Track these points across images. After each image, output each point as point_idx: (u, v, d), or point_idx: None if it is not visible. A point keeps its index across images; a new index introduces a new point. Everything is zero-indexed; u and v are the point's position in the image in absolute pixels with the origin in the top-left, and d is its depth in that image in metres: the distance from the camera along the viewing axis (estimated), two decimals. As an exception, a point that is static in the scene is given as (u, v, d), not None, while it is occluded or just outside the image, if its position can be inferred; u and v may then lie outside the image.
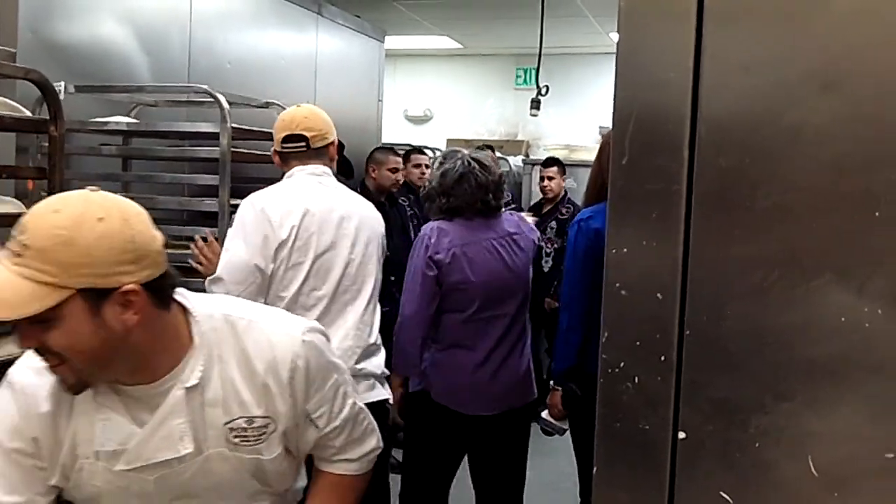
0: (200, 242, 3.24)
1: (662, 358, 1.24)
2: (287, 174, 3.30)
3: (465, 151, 3.59)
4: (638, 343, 1.25)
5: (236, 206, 3.18)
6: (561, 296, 3.52)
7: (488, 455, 3.58)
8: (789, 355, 1.19)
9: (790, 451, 1.20)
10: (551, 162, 7.04)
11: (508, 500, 3.70)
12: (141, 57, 4.10)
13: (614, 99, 1.29)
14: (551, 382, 3.61)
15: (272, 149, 3.37)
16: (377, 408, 3.13)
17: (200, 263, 3.23)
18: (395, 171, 5.75)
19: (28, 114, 2.78)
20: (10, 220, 2.72)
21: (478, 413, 3.45)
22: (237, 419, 1.79)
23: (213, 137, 3.52)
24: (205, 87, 3.43)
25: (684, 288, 1.23)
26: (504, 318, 3.47)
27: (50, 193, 2.75)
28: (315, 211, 3.13)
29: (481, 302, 3.40)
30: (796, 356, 1.19)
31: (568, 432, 3.74)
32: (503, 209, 3.61)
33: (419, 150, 6.83)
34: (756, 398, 1.21)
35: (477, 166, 3.46)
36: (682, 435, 1.23)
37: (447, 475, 3.63)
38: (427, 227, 3.48)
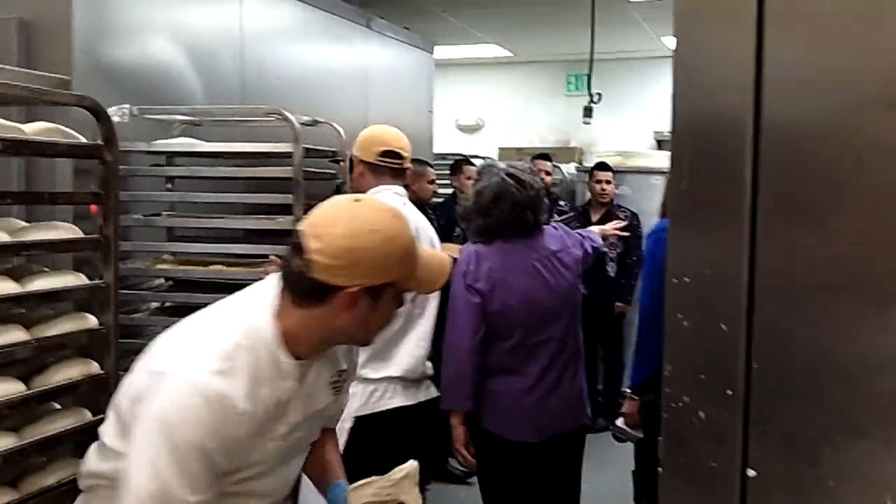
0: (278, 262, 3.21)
1: (729, 392, 1.19)
2: (373, 189, 3.27)
3: (502, 165, 3.42)
4: (702, 376, 1.20)
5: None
6: (640, 307, 3.51)
7: (539, 481, 3.38)
8: (863, 389, 1.13)
9: (865, 491, 1.14)
10: (605, 166, 7.02)
11: None
12: (193, 76, 4.13)
13: (672, 118, 1.25)
14: (628, 391, 3.60)
15: (358, 159, 3.35)
16: (434, 403, 3.35)
17: None
18: (432, 182, 5.81)
19: (82, 139, 2.80)
20: (64, 246, 2.76)
21: (524, 440, 3.27)
22: (336, 371, 1.99)
23: (281, 157, 3.54)
24: (278, 108, 3.45)
25: (750, 318, 1.18)
26: (551, 343, 3.27)
27: (105, 217, 2.78)
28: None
29: (525, 328, 3.22)
30: (870, 390, 1.13)
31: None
32: (543, 225, 3.41)
33: (468, 160, 6.83)
34: (828, 434, 1.15)
35: (514, 183, 3.25)
36: (751, 472, 1.18)
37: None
38: (465, 253, 3.31)
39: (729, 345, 1.19)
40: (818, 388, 1.16)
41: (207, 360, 1.69)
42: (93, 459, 1.91)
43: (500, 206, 3.25)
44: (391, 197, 3.25)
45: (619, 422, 3.73)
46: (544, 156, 7.13)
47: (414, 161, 5.91)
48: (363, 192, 3.27)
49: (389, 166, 3.36)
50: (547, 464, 3.35)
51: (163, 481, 1.63)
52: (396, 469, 2.12)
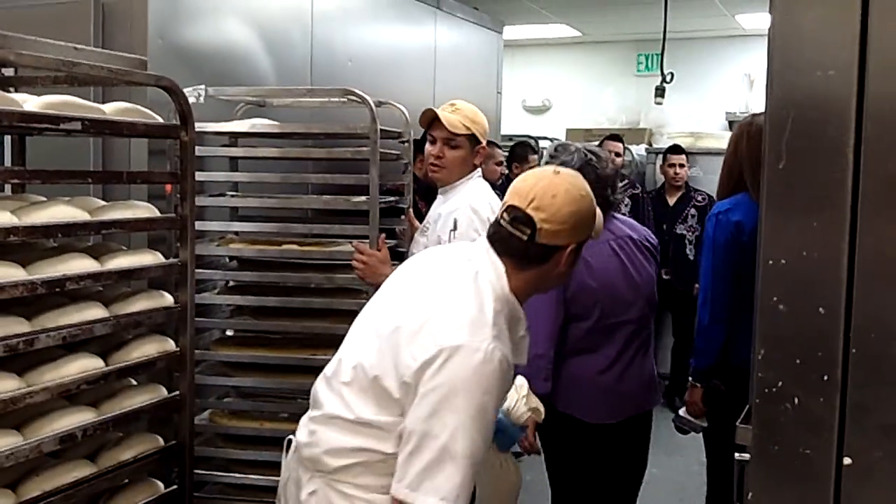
0: (361, 246, 3.19)
1: (825, 377, 1.15)
2: (476, 174, 3.42)
3: (579, 144, 3.31)
4: (798, 361, 1.16)
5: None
6: (700, 291, 3.42)
7: (609, 463, 3.34)
8: (970, 377, 1.09)
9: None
10: (679, 149, 6.95)
11: None
12: (265, 57, 4.14)
13: (767, 97, 1.20)
14: (690, 379, 3.52)
15: (483, 142, 3.42)
16: None
17: (357, 267, 3.20)
18: (500, 164, 5.87)
19: (159, 119, 2.83)
20: (143, 225, 2.80)
21: (600, 421, 3.24)
22: None
23: (353, 137, 3.64)
24: (354, 89, 3.44)
25: (849, 302, 1.13)
26: (629, 325, 3.24)
27: (182, 197, 2.80)
28: None
29: (602, 309, 3.17)
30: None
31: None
32: (619, 206, 3.44)
33: (532, 147, 6.88)
34: (931, 423, 1.11)
35: (594, 158, 3.17)
36: (847, 461, 1.14)
37: (591, 489, 3.39)
38: None
39: (827, 329, 1.16)
40: (921, 375, 1.12)
41: (486, 329, 1.94)
42: (339, 438, 2.04)
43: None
44: (479, 182, 3.39)
45: (682, 411, 3.64)
46: (615, 136, 7.09)
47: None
48: (457, 175, 3.38)
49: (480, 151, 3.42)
50: (618, 445, 3.32)
51: (472, 441, 1.88)
52: (518, 384, 2.66)
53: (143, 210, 2.79)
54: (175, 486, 2.86)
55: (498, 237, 2.09)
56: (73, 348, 2.56)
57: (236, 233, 3.63)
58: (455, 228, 3.21)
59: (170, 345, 2.82)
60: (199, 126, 3.10)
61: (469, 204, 3.23)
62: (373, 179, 3.31)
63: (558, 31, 9.34)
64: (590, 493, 3.38)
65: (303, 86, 4.31)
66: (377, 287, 2.37)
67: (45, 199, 2.58)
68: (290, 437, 2.22)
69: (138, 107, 2.79)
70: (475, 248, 2.15)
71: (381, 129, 3.40)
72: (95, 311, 2.58)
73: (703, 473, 3.85)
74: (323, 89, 3.99)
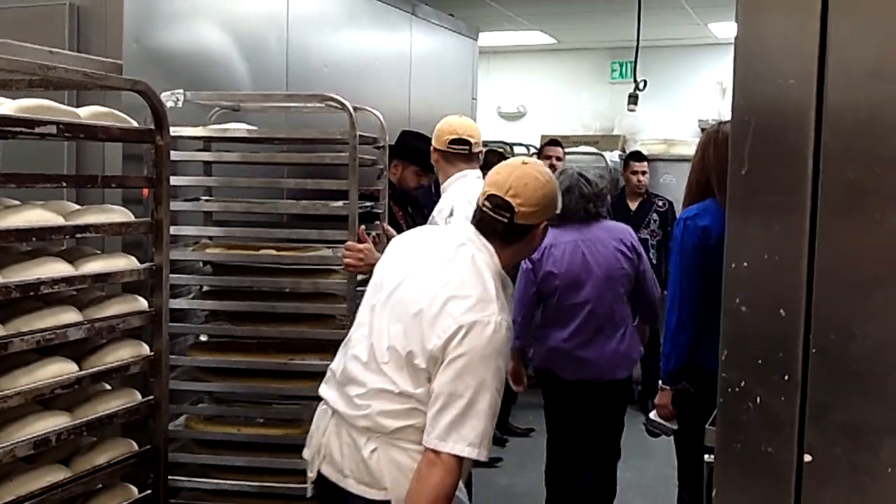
0: (350, 244, 3.35)
1: (786, 377, 1.18)
2: (460, 174, 3.88)
3: (576, 168, 4.41)
4: (760, 361, 1.20)
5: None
6: (668, 295, 3.47)
7: (586, 415, 4.30)
8: (925, 377, 1.12)
9: (927, 479, 1.13)
10: (640, 156, 7.16)
11: (602, 472, 4.41)
12: (240, 62, 4.15)
13: (731, 105, 1.24)
14: (660, 383, 3.56)
15: (433, 148, 3.90)
16: None
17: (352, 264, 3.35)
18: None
19: (135, 124, 2.83)
20: (117, 229, 2.81)
21: (564, 377, 4.25)
22: None
23: (330, 143, 3.71)
24: (333, 95, 3.50)
25: (809, 304, 1.17)
26: (585, 306, 4.16)
27: (157, 201, 2.81)
28: None
29: (561, 291, 4.18)
30: (933, 378, 1.12)
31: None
32: (602, 216, 4.31)
33: (500, 154, 6.88)
34: (888, 422, 1.14)
35: (583, 180, 4.22)
36: (807, 458, 1.17)
37: (574, 436, 4.37)
38: None
39: (787, 330, 1.19)
40: (878, 375, 1.15)
41: (493, 304, 2.34)
42: (390, 406, 2.39)
43: (569, 196, 4.07)
44: (474, 181, 3.75)
45: (653, 414, 3.68)
46: (554, 142, 7.26)
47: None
48: (443, 177, 3.95)
49: (459, 153, 3.87)
50: (591, 403, 4.27)
51: (491, 396, 2.29)
52: None
53: (117, 214, 2.79)
54: (149, 492, 2.86)
55: (483, 222, 2.50)
56: (47, 352, 2.55)
57: (210, 237, 3.64)
58: (451, 214, 3.70)
59: (144, 349, 2.82)
60: (176, 130, 3.11)
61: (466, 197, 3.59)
62: (352, 185, 3.34)
63: (533, 38, 9.38)
64: (573, 439, 4.37)
65: (279, 90, 4.33)
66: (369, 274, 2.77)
67: (18, 202, 2.58)
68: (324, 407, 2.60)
69: (113, 111, 2.79)
70: (464, 234, 2.53)
71: (364, 135, 3.43)
72: (70, 315, 2.58)
73: (675, 477, 3.90)
74: (302, 94, 4.02)
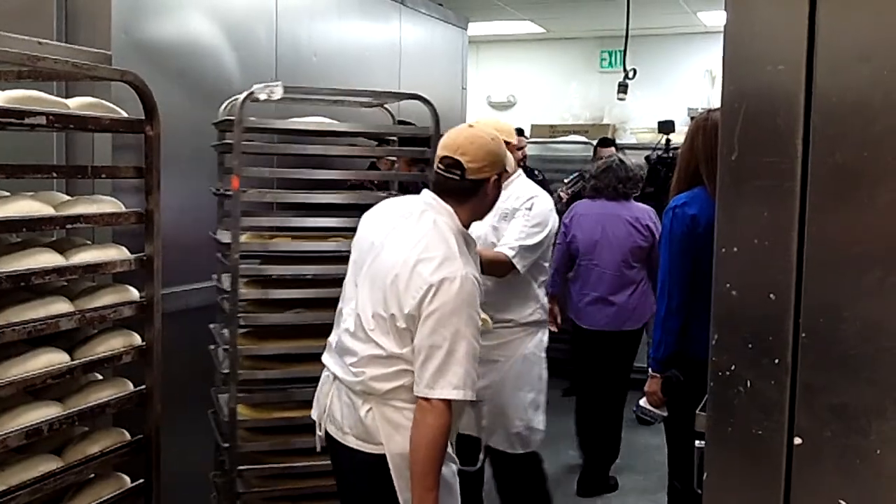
0: None
1: (776, 361, 1.19)
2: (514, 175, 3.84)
3: (620, 156, 5.54)
4: (750, 345, 1.21)
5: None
6: (658, 283, 3.49)
7: (600, 360, 5.23)
8: (913, 359, 1.13)
9: (915, 460, 1.14)
10: (609, 142, 7.34)
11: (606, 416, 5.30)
12: (229, 52, 4.13)
13: (721, 91, 1.24)
14: (649, 370, 3.57)
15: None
16: None
17: None
18: None
19: (124, 114, 2.83)
20: (108, 219, 2.80)
21: (583, 326, 5.20)
22: None
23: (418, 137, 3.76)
24: (423, 94, 3.61)
25: (799, 288, 1.18)
26: (599, 268, 5.12)
27: (147, 192, 2.81)
28: None
29: (582, 253, 5.18)
30: (921, 360, 1.13)
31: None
32: (629, 196, 5.21)
33: None
34: (877, 403, 1.15)
35: (620, 165, 5.19)
36: (797, 441, 1.18)
37: (591, 379, 5.35)
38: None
39: (777, 314, 1.20)
40: (867, 358, 1.16)
41: (456, 261, 2.54)
42: (381, 370, 2.60)
43: (605, 175, 5.18)
44: (525, 180, 3.98)
45: (643, 401, 3.68)
46: (606, 140, 7.50)
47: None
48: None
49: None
50: (605, 349, 5.18)
51: (469, 342, 2.51)
52: None
53: (108, 205, 2.79)
54: (142, 480, 2.87)
55: (438, 184, 2.72)
56: (38, 343, 2.55)
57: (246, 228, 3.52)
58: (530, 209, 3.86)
59: (136, 339, 2.82)
60: (256, 123, 3.32)
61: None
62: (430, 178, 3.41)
63: (522, 27, 9.37)
64: (591, 382, 5.33)
65: (268, 80, 4.32)
66: None
67: (8, 193, 2.57)
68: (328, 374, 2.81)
69: (103, 101, 2.78)
70: (424, 200, 2.73)
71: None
72: (61, 306, 2.58)
73: (666, 464, 3.92)
74: (392, 92, 4.21)
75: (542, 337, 3.98)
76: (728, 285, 1.23)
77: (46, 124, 2.48)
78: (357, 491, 2.78)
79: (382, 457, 2.63)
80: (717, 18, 8.44)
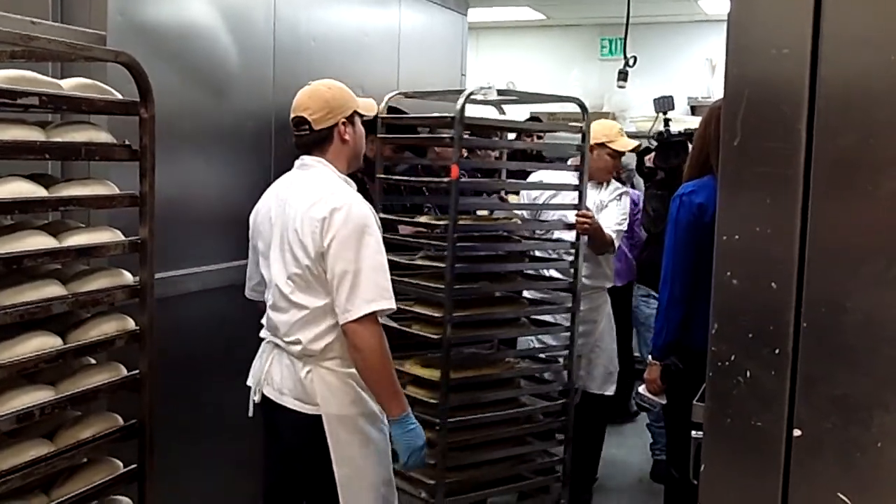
0: (584, 211, 4.20)
1: (777, 351, 1.17)
2: None
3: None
4: (750, 335, 1.18)
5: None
6: (662, 271, 3.48)
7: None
8: (916, 350, 1.11)
9: (916, 452, 1.12)
10: None
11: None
12: (226, 36, 4.10)
13: (725, 76, 1.22)
14: (649, 357, 3.58)
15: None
16: None
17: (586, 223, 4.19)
18: None
19: (119, 96, 2.79)
20: (102, 202, 2.77)
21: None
22: None
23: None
24: (579, 98, 4.45)
25: (801, 277, 1.15)
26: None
27: (142, 175, 2.78)
28: None
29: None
30: (924, 352, 1.11)
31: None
32: None
33: None
34: (878, 395, 1.13)
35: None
36: (797, 432, 1.16)
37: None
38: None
39: (778, 303, 1.17)
40: (869, 349, 1.14)
41: (338, 193, 2.84)
42: (312, 329, 2.86)
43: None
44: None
45: (642, 389, 3.70)
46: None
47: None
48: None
49: None
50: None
51: (371, 257, 2.74)
52: None
53: (101, 187, 2.76)
54: (134, 466, 2.85)
55: (297, 142, 3.00)
56: (30, 326, 2.53)
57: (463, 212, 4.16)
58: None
59: (130, 323, 2.80)
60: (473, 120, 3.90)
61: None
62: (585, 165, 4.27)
63: (522, 13, 9.34)
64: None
65: (266, 64, 4.29)
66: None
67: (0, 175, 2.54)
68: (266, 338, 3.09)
69: (97, 83, 2.75)
70: (301, 162, 3.02)
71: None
72: (53, 289, 2.56)
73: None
74: (556, 96, 4.78)
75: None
76: (728, 274, 1.20)
77: (39, 105, 2.44)
78: (292, 449, 2.99)
79: (318, 417, 2.84)
80: (717, 6, 8.41)
